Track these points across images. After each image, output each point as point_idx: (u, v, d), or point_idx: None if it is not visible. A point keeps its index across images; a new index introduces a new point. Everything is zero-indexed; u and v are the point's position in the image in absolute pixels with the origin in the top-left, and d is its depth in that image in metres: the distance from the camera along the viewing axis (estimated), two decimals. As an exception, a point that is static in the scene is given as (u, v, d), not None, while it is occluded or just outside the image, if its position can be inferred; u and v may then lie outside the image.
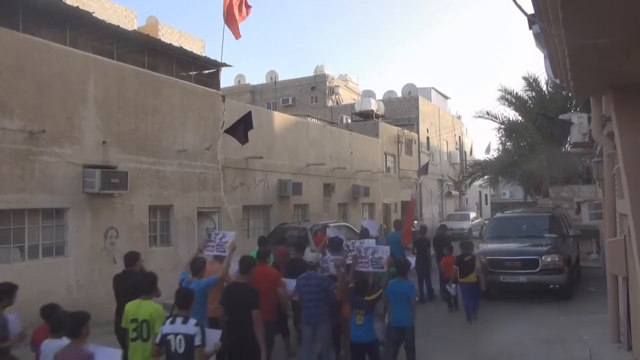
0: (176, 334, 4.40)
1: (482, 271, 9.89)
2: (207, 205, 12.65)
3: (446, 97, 38.62)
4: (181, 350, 4.35)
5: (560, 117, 12.42)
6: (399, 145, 26.09)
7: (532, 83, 21.42)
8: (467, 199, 37.33)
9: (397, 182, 25.70)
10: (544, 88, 21.14)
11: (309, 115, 25.13)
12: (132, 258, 6.63)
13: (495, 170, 24.12)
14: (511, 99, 22.04)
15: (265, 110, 19.56)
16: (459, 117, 38.50)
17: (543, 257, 10.48)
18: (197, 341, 4.36)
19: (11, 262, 8.39)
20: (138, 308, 4.85)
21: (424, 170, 23.82)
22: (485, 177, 26.36)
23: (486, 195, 42.64)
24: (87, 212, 9.58)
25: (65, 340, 4.25)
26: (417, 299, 7.47)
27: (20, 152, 8.48)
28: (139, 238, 10.64)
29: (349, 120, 27.64)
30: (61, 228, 9.26)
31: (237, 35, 12.77)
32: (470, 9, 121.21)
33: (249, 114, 11.48)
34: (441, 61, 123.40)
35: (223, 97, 13.52)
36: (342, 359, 6.96)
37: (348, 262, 7.37)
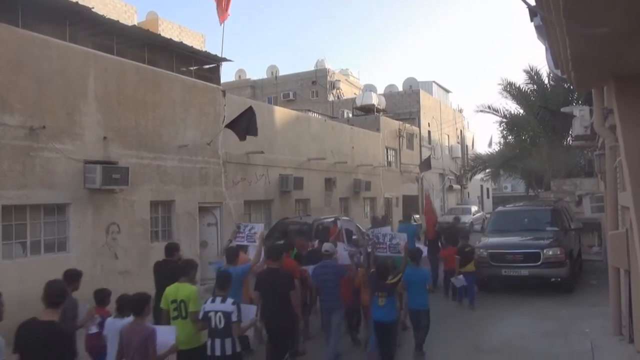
0: (216, 312, 4.98)
1: (483, 265, 10.42)
2: (208, 200, 12.65)
3: (447, 91, 38.52)
4: (221, 325, 4.95)
5: (562, 110, 12.38)
6: (400, 139, 26.05)
7: (533, 76, 21.31)
8: (468, 193, 37.30)
9: (398, 176, 25.67)
10: (546, 81, 21.05)
11: (310, 110, 25.08)
12: (172, 249, 7.09)
13: (497, 163, 24.07)
14: (513, 91, 21.95)
15: (266, 105, 19.54)
16: (460, 111, 38.41)
17: (545, 251, 10.46)
18: (234, 317, 4.95)
19: (13, 257, 8.41)
20: (177, 290, 5.32)
21: (426, 165, 23.77)
22: (487, 170, 26.32)
23: (488, 189, 42.61)
24: (89, 207, 9.59)
25: (126, 319, 4.88)
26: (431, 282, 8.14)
27: (20, 148, 8.47)
28: (141, 233, 10.65)
29: (350, 115, 27.59)
30: (63, 224, 9.27)
31: (221, 18, 12.71)
32: (470, 3, 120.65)
33: (250, 109, 11.40)
34: (442, 55, 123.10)
35: (224, 92, 13.50)
36: (357, 340, 7.54)
37: (370, 250, 7.91)
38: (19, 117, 8.48)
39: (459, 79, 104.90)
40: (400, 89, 32.71)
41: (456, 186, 34.57)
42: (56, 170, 9.01)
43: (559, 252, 10.45)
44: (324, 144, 18.26)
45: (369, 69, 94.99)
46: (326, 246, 7.40)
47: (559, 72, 5.24)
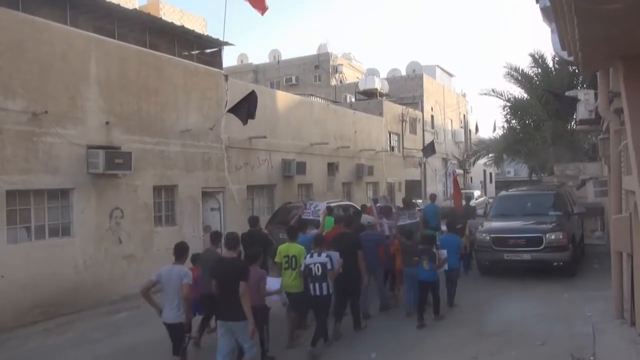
0: (315, 263, 6.65)
1: (485, 249, 10.91)
2: (211, 185, 12.66)
3: (451, 75, 38.23)
4: (319, 273, 6.61)
5: (567, 93, 12.25)
6: (403, 124, 25.94)
7: (538, 59, 21.05)
8: (471, 178, 37.22)
9: (401, 161, 25.62)
10: (550, 64, 20.80)
11: (312, 95, 24.95)
12: (254, 221, 8.78)
13: (500, 148, 23.93)
14: (517, 75, 21.73)
15: (269, 89, 19.43)
16: (463, 95, 38.16)
17: (547, 235, 10.44)
18: (329, 266, 6.63)
19: (18, 242, 8.46)
20: (288, 248, 7.05)
21: (429, 150, 23.61)
22: (490, 155, 26.19)
23: (491, 174, 42.49)
24: (92, 192, 9.61)
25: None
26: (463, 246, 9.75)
27: (23, 133, 8.47)
28: (144, 218, 10.69)
29: (353, 99, 27.45)
30: (66, 209, 9.31)
31: (262, 10, 12.05)
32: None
33: (253, 93, 11.34)
34: (446, 38, 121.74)
35: (226, 76, 13.42)
36: (389, 297, 8.86)
37: (402, 222, 10.01)
38: (21, 102, 8.46)
39: (463, 62, 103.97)
40: (404, 73, 32.45)
41: (459, 171, 34.46)
42: (59, 155, 9.01)
43: (561, 237, 10.43)
44: (326, 128, 18.19)
45: (371, 53, 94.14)
46: (368, 218, 9.50)
47: (565, 54, 5.17)
